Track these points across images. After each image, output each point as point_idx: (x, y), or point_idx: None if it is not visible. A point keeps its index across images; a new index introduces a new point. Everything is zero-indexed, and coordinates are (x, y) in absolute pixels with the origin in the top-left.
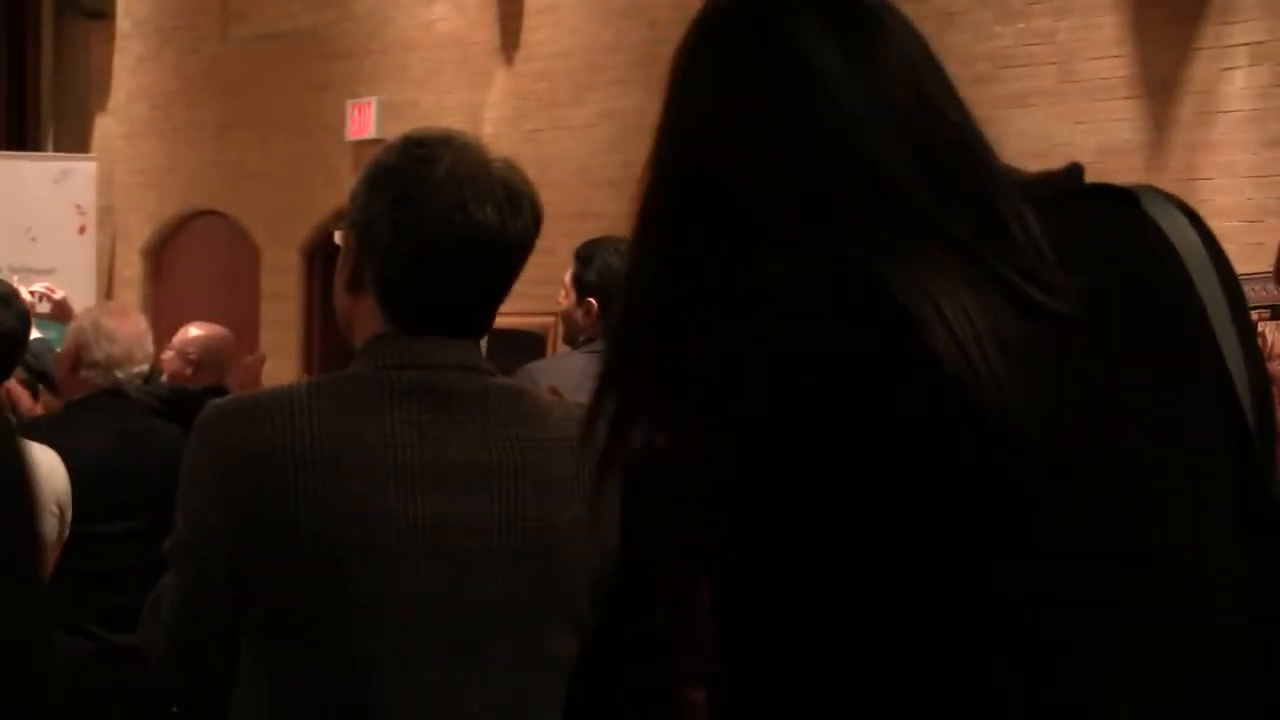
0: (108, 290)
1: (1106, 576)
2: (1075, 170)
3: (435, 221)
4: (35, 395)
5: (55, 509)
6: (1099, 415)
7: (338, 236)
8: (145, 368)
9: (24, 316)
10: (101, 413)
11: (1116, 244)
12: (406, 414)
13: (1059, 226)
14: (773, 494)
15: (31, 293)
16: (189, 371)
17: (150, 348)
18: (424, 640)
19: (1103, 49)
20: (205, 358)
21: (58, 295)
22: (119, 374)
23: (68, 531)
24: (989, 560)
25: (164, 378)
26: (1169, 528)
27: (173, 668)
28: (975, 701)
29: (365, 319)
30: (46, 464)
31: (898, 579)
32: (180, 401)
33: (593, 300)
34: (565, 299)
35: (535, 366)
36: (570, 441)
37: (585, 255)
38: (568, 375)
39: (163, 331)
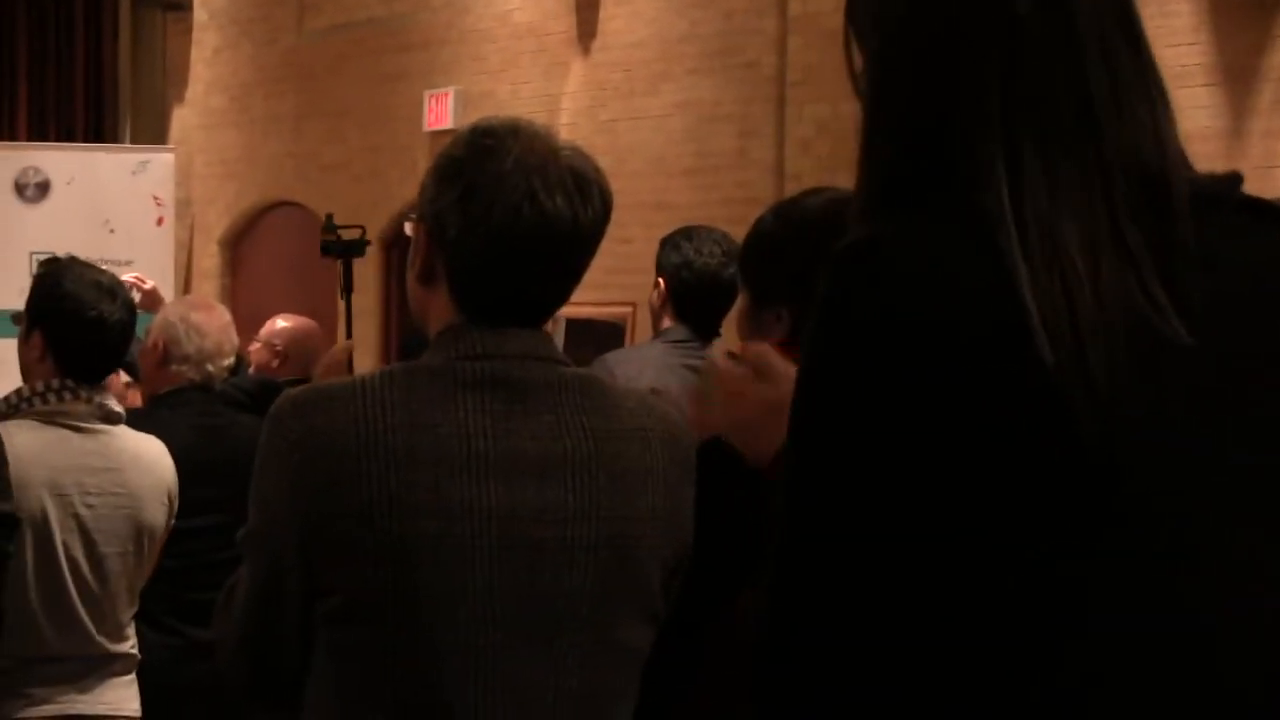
0: (185, 282)
1: (1163, 579)
2: (1236, 179)
3: (504, 212)
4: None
5: (165, 499)
6: (1195, 433)
7: (408, 228)
8: (231, 360)
9: (131, 307)
10: (186, 407)
11: (1253, 261)
12: (479, 404)
13: (1209, 233)
14: (844, 455)
15: (123, 282)
16: (276, 363)
17: (235, 340)
18: (497, 631)
19: (1180, 36)
20: (292, 349)
21: (148, 285)
22: (209, 368)
23: (173, 523)
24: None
25: (250, 369)
26: (1238, 550)
27: (243, 660)
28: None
29: (438, 310)
30: (151, 454)
31: (957, 563)
32: (266, 394)
33: (661, 280)
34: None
35: (611, 357)
36: (644, 432)
37: (665, 239)
38: (643, 366)
39: (240, 323)
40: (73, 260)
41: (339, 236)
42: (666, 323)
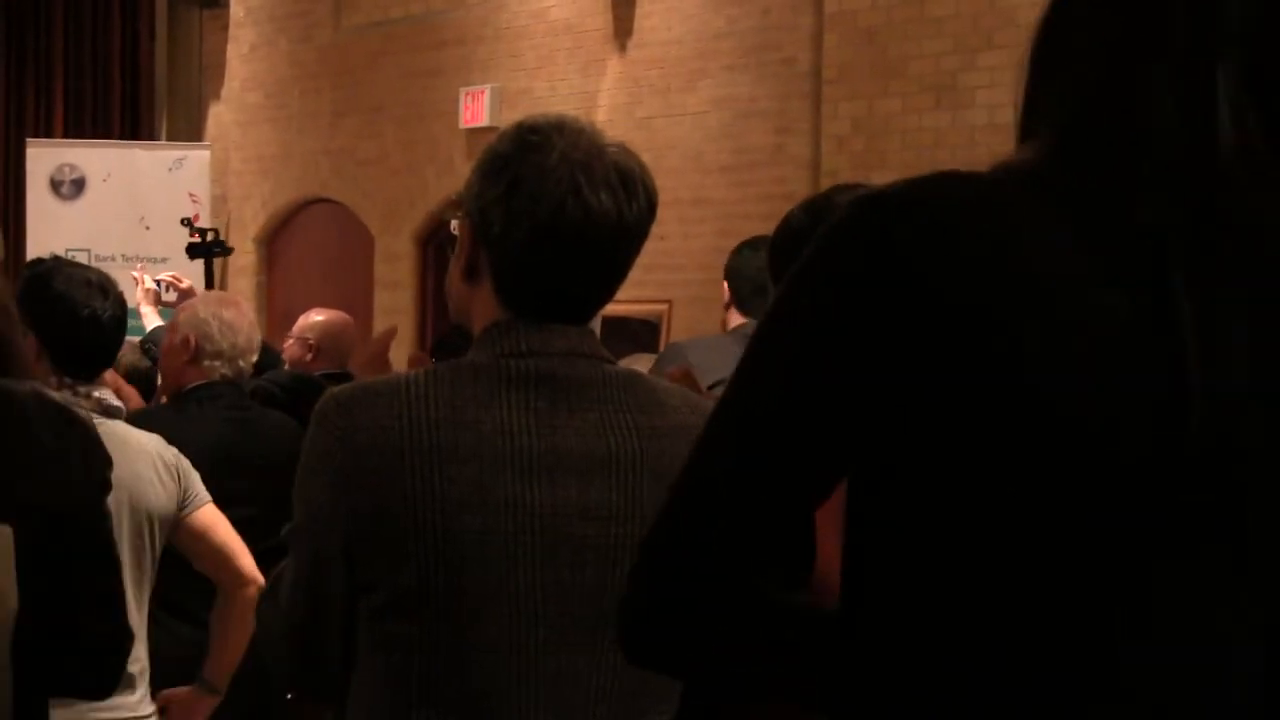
0: (221, 278)
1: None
2: None
3: (549, 207)
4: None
5: (162, 479)
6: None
7: (454, 225)
8: (256, 357)
9: (122, 303)
10: (217, 400)
11: None
12: (524, 401)
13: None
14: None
15: (157, 281)
16: (309, 357)
17: (260, 338)
18: (539, 628)
19: None
20: (324, 342)
21: (185, 284)
22: (241, 364)
23: (191, 509)
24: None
25: (286, 365)
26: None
27: (286, 651)
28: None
29: (483, 307)
30: (149, 441)
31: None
32: (300, 389)
33: (726, 283)
34: None
35: (685, 343)
36: (688, 430)
37: (737, 247)
38: (716, 353)
39: (277, 320)
40: (59, 260)
41: (203, 239)
42: (734, 322)
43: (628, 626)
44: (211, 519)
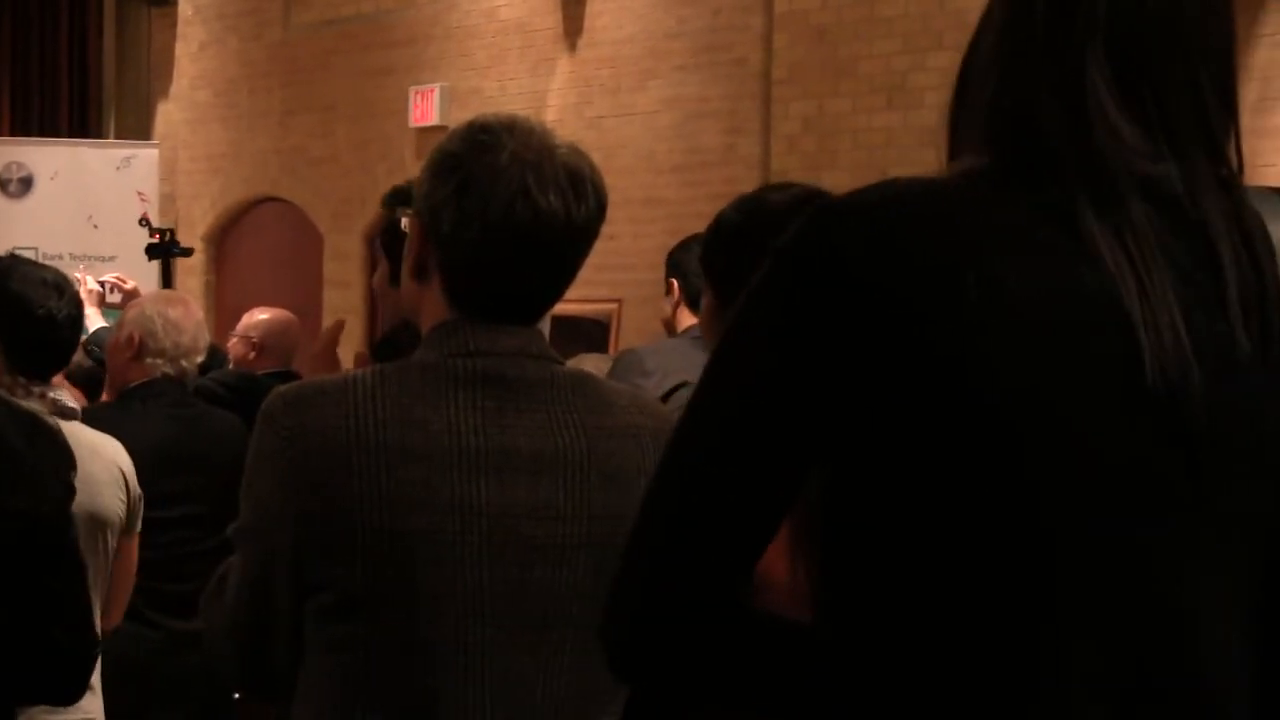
0: (169, 277)
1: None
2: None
3: (499, 208)
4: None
5: (121, 490)
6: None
7: (404, 224)
8: (203, 357)
9: (78, 302)
10: (159, 398)
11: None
12: (472, 401)
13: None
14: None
15: (102, 282)
16: (252, 355)
17: (208, 337)
18: (486, 628)
19: None
20: (268, 341)
21: (129, 285)
22: (184, 363)
23: (138, 521)
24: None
25: (230, 363)
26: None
27: (232, 649)
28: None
29: (432, 306)
30: (108, 447)
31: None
32: (245, 387)
33: (673, 281)
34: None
35: (641, 349)
36: (636, 430)
37: (677, 245)
38: (673, 357)
39: (226, 319)
40: (16, 259)
41: (162, 239)
42: (686, 322)
43: (614, 641)
44: (131, 549)
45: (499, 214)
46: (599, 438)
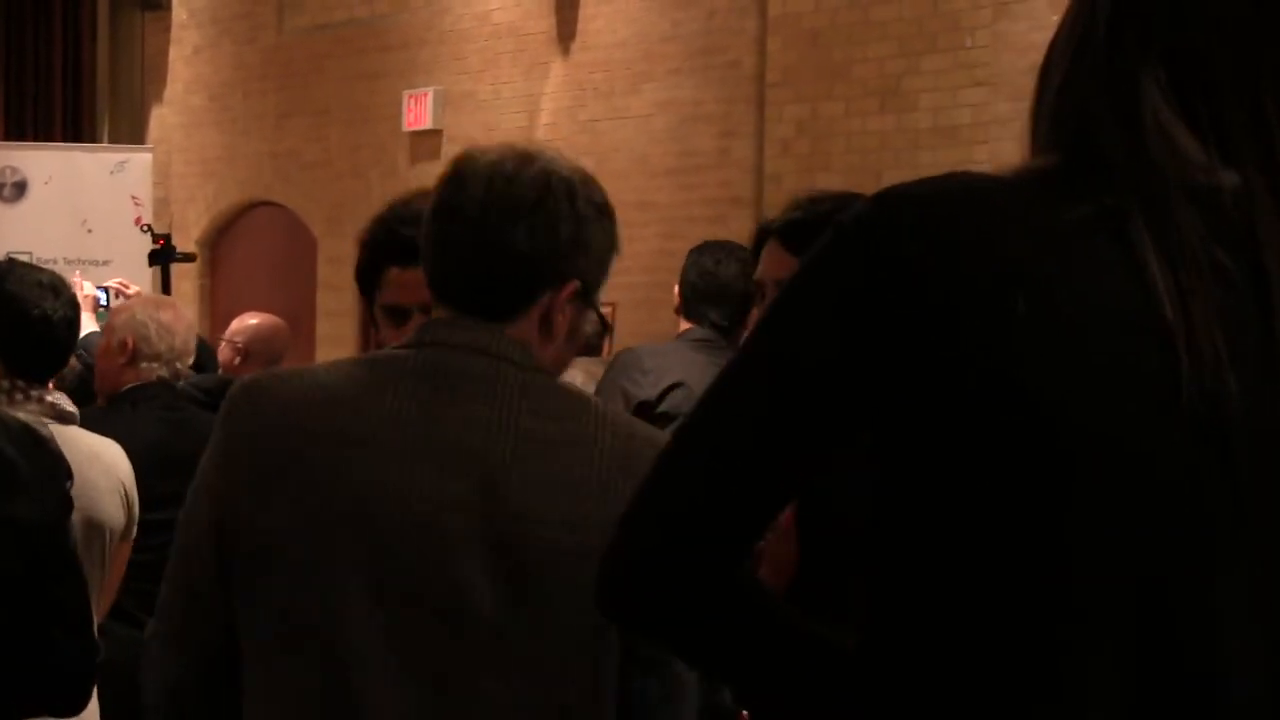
0: (165, 282)
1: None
2: None
3: (436, 195)
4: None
5: (121, 498)
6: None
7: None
8: (192, 359)
9: (74, 304)
10: (151, 401)
11: None
12: (411, 391)
13: None
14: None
15: (105, 288)
16: (237, 360)
17: (194, 338)
18: (388, 614)
19: None
20: (253, 346)
21: (132, 290)
22: (178, 365)
23: (135, 526)
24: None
25: (220, 368)
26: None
27: (161, 642)
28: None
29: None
30: (109, 453)
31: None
32: (223, 391)
33: (677, 288)
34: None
35: (640, 348)
36: (585, 441)
37: (690, 251)
38: (670, 358)
39: (220, 323)
40: (12, 261)
41: (161, 246)
42: (683, 326)
43: (607, 579)
44: (124, 555)
45: (435, 200)
46: (531, 441)
